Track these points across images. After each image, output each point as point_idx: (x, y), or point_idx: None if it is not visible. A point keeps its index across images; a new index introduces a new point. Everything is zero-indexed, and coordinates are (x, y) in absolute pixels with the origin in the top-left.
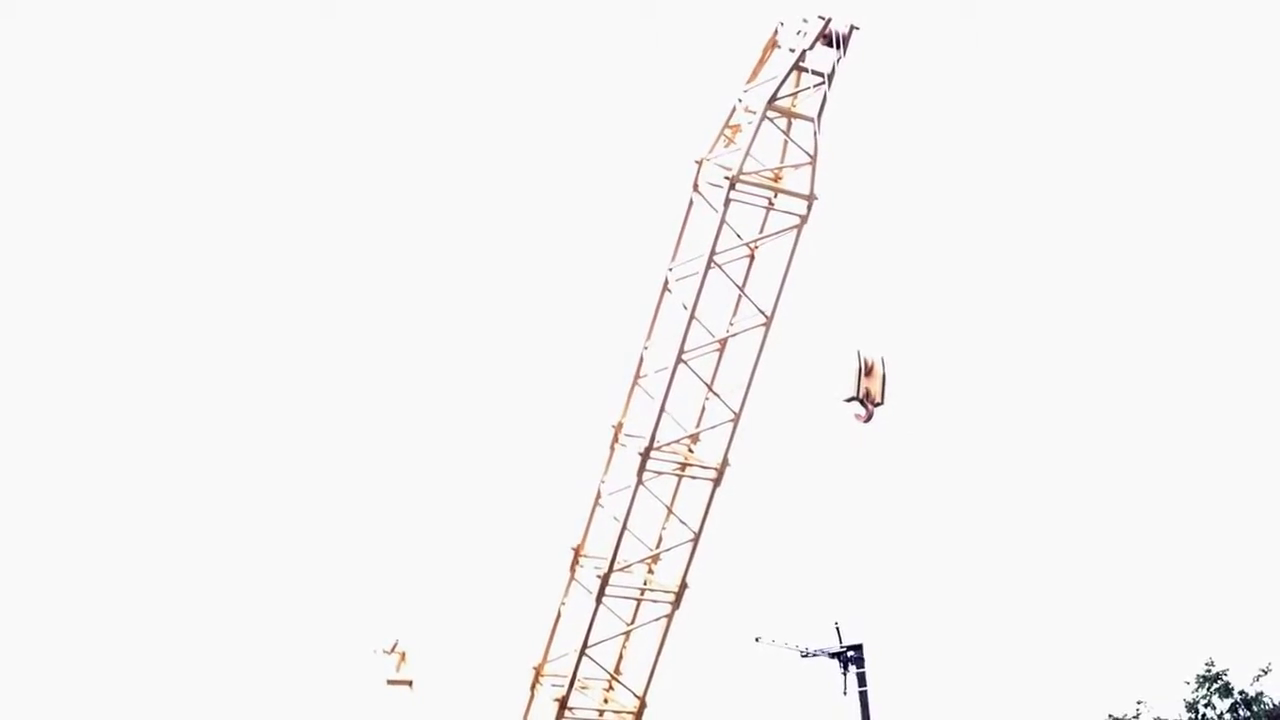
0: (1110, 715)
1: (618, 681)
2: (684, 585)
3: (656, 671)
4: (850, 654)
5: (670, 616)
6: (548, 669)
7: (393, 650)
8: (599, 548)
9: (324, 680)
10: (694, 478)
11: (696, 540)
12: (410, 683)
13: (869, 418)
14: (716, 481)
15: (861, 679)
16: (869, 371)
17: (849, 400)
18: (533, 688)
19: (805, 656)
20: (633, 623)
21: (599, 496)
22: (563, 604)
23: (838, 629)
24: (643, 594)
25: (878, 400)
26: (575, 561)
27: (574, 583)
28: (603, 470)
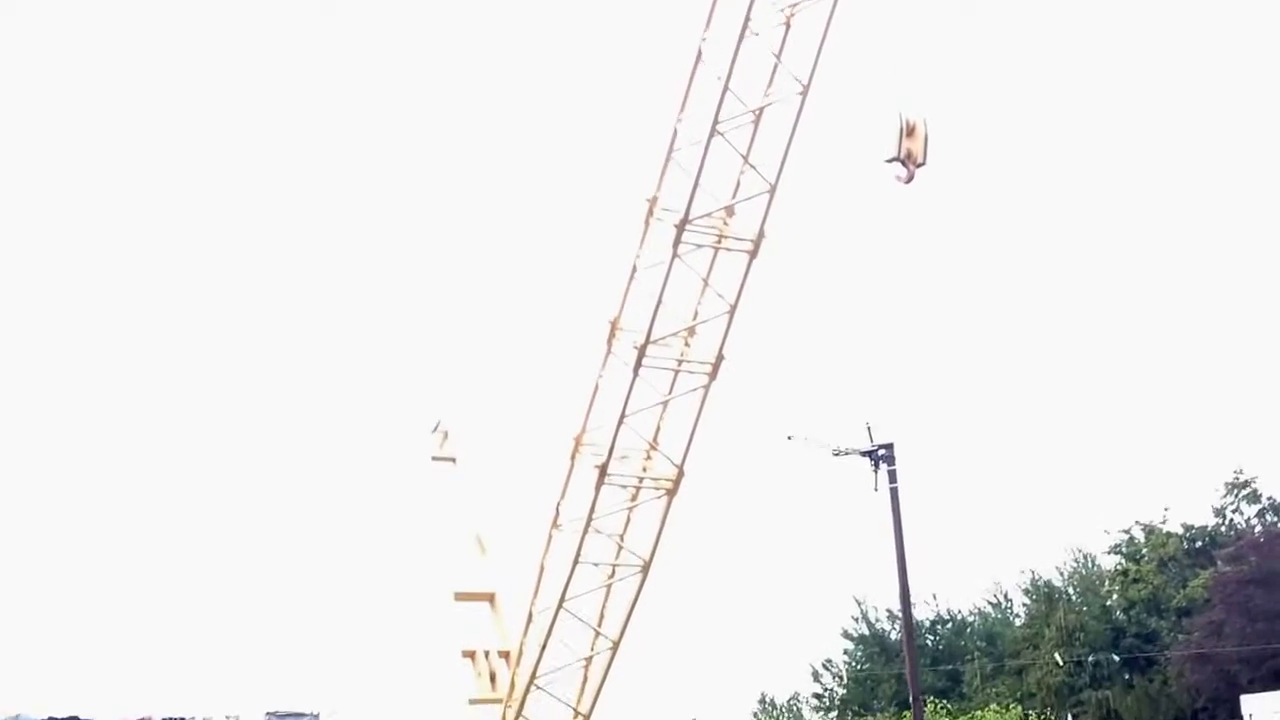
0: (1138, 521)
1: (656, 450)
2: (720, 357)
3: (693, 442)
4: (881, 452)
5: (706, 388)
6: (587, 439)
7: (436, 429)
8: (636, 321)
9: (373, 459)
10: (730, 250)
11: (732, 312)
12: (454, 459)
13: (910, 179)
14: (752, 254)
15: (892, 476)
16: (911, 132)
17: (890, 161)
18: (573, 457)
19: (837, 455)
20: (670, 394)
21: (635, 271)
22: (600, 376)
23: (869, 428)
24: (679, 366)
25: (920, 161)
26: (612, 334)
27: (611, 355)
28: (638, 245)
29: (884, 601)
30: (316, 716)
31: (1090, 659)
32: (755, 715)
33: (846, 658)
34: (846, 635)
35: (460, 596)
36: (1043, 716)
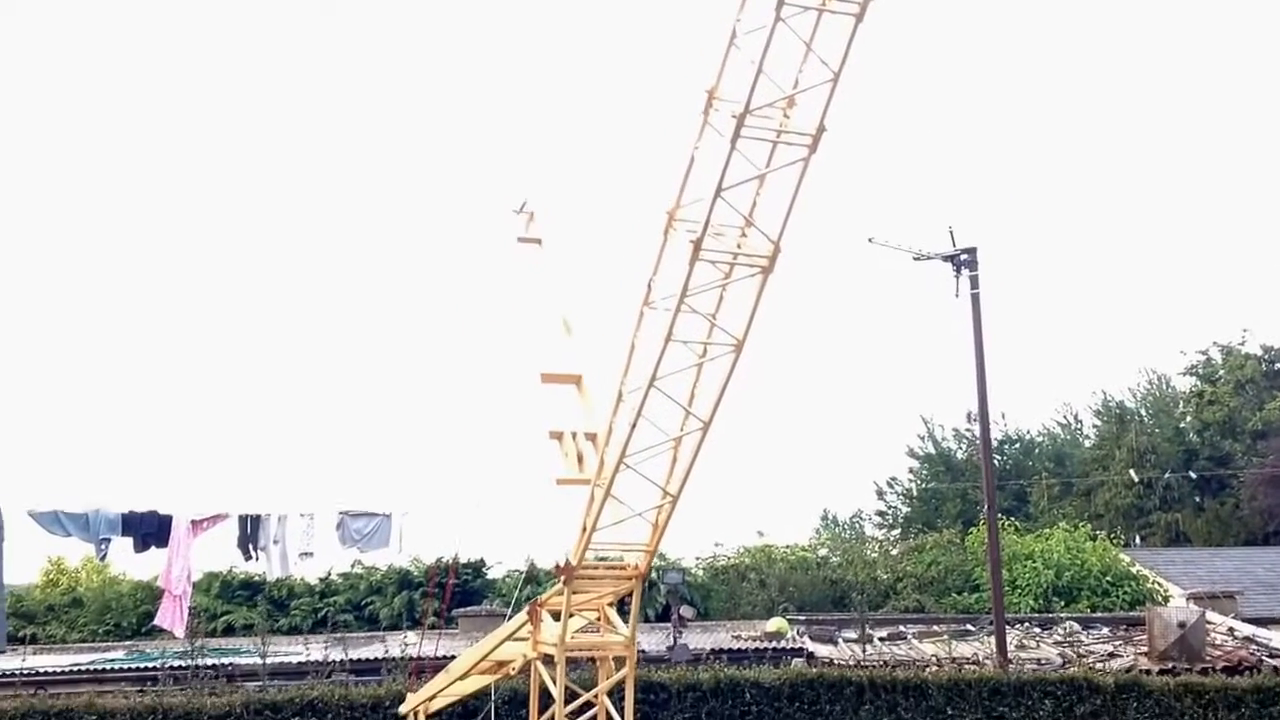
0: (1215, 342)
1: (751, 226)
2: (821, 129)
3: (790, 217)
4: (964, 257)
5: (806, 161)
6: (681, 214)
7: (522, 210)
8: (734, 90)
9: (458, 240)
10: (834, 13)
11: (835, 81)
12: (540, 240)
13: None
14: (859, 17)
15: (974, 282)
16: None
17: None
18: (665, 233)
19: (918, 259)
20: (768, 167)
21: (734, 36)
22: (696, 149)
23: (951, 233)
24: (778, 138)
25: None
26: (709, 105)
27: (707, 127)
28: (738, 8)
29: (950, 420)
30: (388, 516)
31: (1161, 481)
32: (818, 531)
33: (911, 476)
34: (912, 454)
35: (547, 378)
36: (1111, 536)
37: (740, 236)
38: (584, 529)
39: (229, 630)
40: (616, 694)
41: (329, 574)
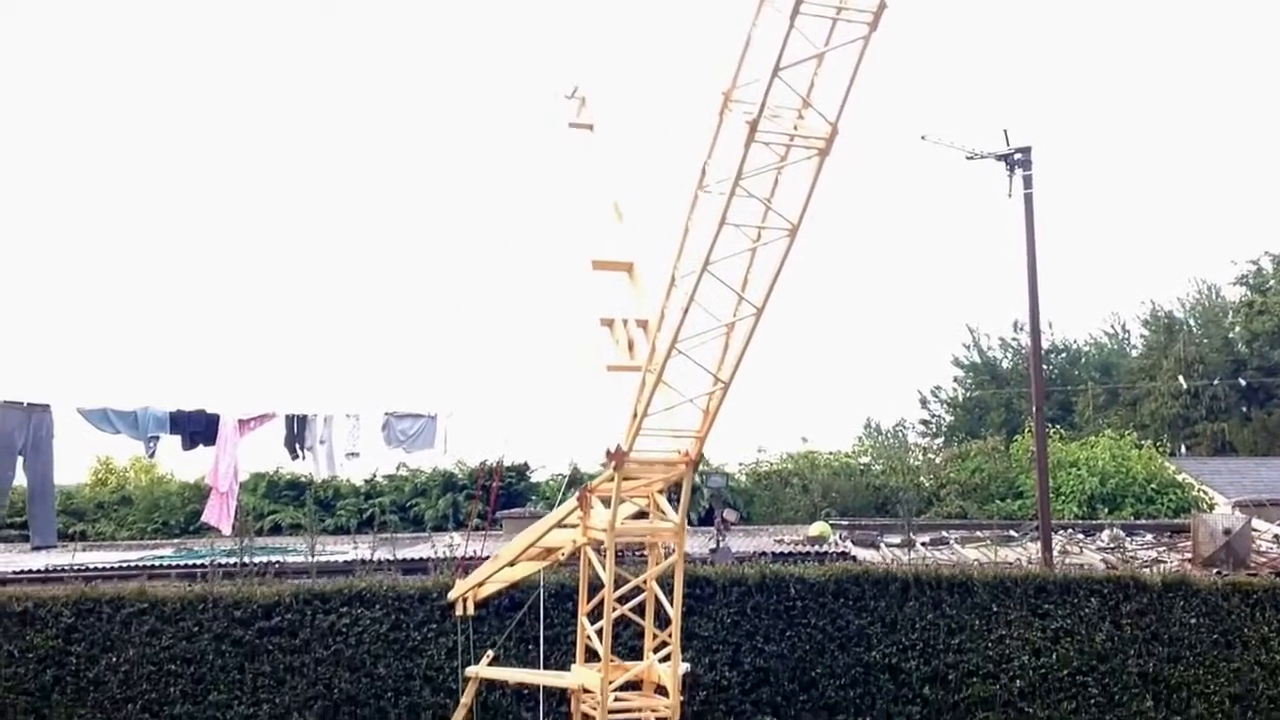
0: (1267, 251)
1: (809, 107)
2: (883, 4)
3: (849, 98)
4: (1018, 157)
5: (866, 39)
6: (737, 95)
7: (573, 95)
8: None
9: (508, 128)
10: None
11: None
12: (591, 126)
13: None
14: None
15: (1027, 182)
16: None
17: None
18: (721, 114)
19: (971, 158)
20: (826, 45)
21: None
22: (753, 26)
23: (1005, 134)
24: (838, 14)
25: None
26: None
27: (765, 4)
28: None
29: (996, 329)
30: (434, 417)
31: (1208, 390)
32: (860, 439)
33: (955, 385)
34: (956, 363)
35: (598, 265)
36: (1157, 444)
37: (797, 118)
38: (635, 415)
39: (276, 530)
40: (665, 582)
41: (374, 475)
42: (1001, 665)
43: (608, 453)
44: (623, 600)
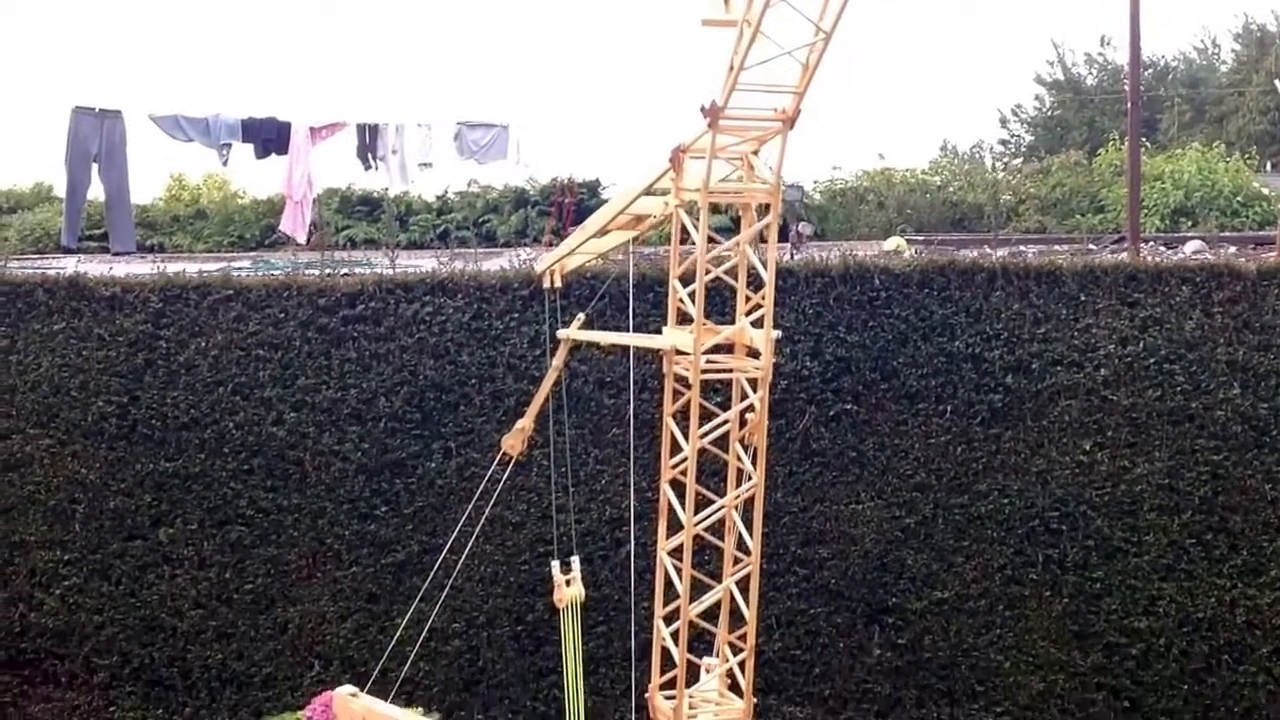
0: None
1: None
2: None
3: None
4: None
5: None
6: None
7: None
8: None
9: None
10: None
11: None
12: None
13: None
14: None
15: None
16: None
17: None
18: None
19: None
20: None
21: None
22: None
23: None
24: None
25: None
26: None
27: None
28: None
29: (1082, 45)
30: (505, 127)
31: None
32: (934, 162)
33: (1037, 103)
34: (1039, 80)
35: (707, 23)
36: (1245, 157)
37: None
38: (731, 68)
39: (351, 244)
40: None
41: (445, 192)
42: (1087, 354)
43: (703, 109)
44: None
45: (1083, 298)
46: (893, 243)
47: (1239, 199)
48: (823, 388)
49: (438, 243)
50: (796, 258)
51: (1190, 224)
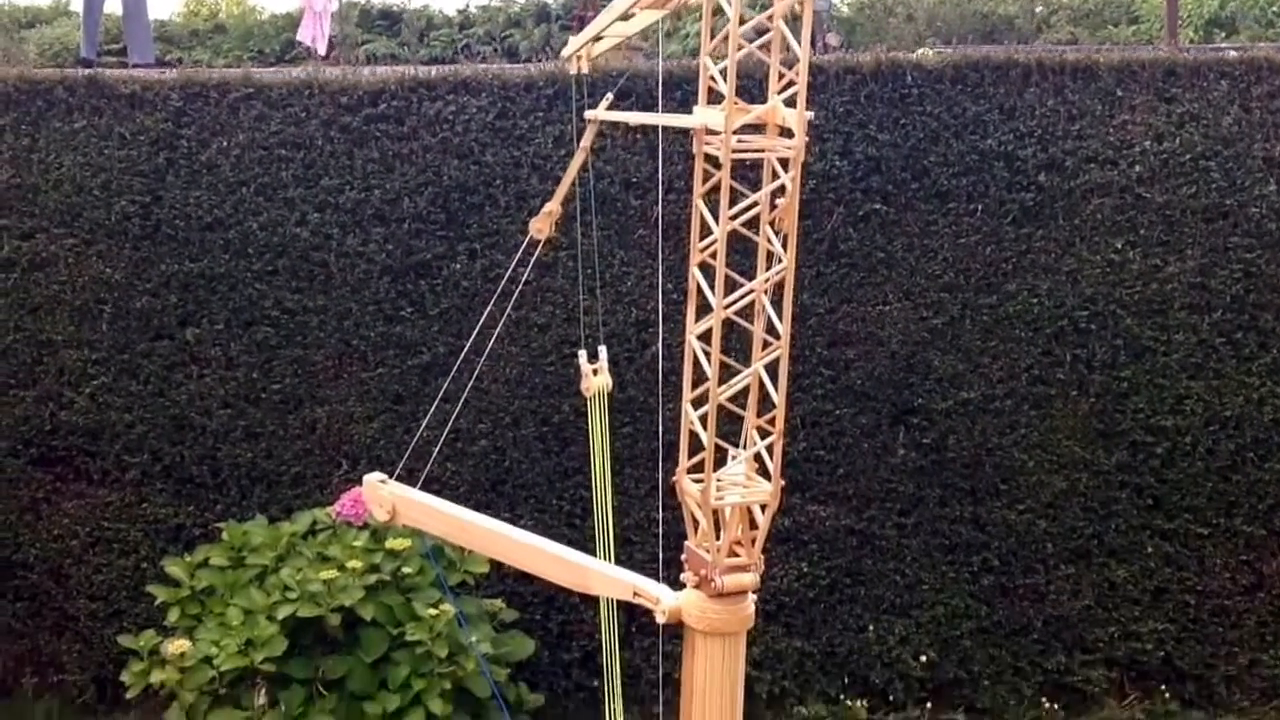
0: None
1: None
2: None
3: None
4: None
5: None
6: None
7: None
8: None
9: None
10: None
11: None
12: None
13: None
14: None
15: None
16: None
17: None
18: None
19: None
20: None
21: None
22: None
23: None
24: None
25: None
26: None
27: None
28: None
29: None
30: None
31: None
32: None
33: None
34: None
35: None
36: None
37: None
38: None
39: (371, 59)
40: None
41: (467, 6)
42: (1121, 151)
43: None
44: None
45: (1119, 93)
46: (920, 54)
47: (1275, 9)
48: (852, 187)
49: (459, 57)
50: (827, 56)
51: (1225, 35)
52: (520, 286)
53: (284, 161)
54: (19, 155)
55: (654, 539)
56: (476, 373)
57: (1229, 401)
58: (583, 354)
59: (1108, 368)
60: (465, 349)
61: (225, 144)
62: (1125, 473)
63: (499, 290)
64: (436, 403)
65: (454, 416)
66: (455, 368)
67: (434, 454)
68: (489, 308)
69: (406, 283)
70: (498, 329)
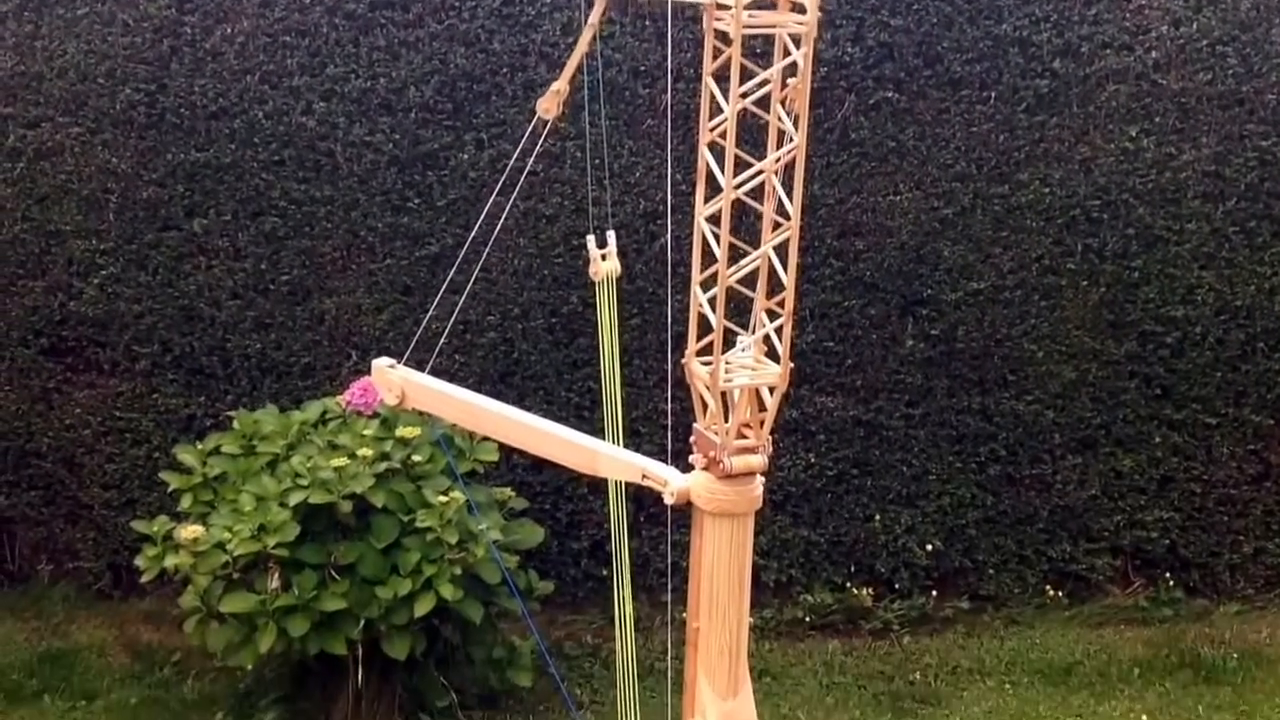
0: None
1: None
2: None
3: None
4: None
5: None
6: None
7: None
8: None
9: None
10: None
11: None
12: None
13: None
14: None
15: None
16: None
17: None
18: None
19: None
20: None
21: None
22: None
23: None
24: None
25: None
26: None
27: None
28: None
29: None
30: None
31: None
32: None
33: None
34: None
35: None
36: None
37: None
38: None
39: None
40: None
41: None
42: (1138, 36)
43: None
44: None
45: None
46: None
47: None
48: (863, 75)
49: None
50: None
51: None
52: (526, 176)
53: (289, 49)
54: (22, 42)
55: (662, 430)
56: (482, 263)
57: (1240, 291)
58: (591, 239)
59: (1119, 257)
60: (468, 240)
61: (229, 30)
62: (1134, 363)
63: (503, 180)
64: (441, 293)
65: (457, 309)
66: (460, 257)
67: (438, 345)
68: (494, 197)
69: (414, 173)
70: (503, 218)
